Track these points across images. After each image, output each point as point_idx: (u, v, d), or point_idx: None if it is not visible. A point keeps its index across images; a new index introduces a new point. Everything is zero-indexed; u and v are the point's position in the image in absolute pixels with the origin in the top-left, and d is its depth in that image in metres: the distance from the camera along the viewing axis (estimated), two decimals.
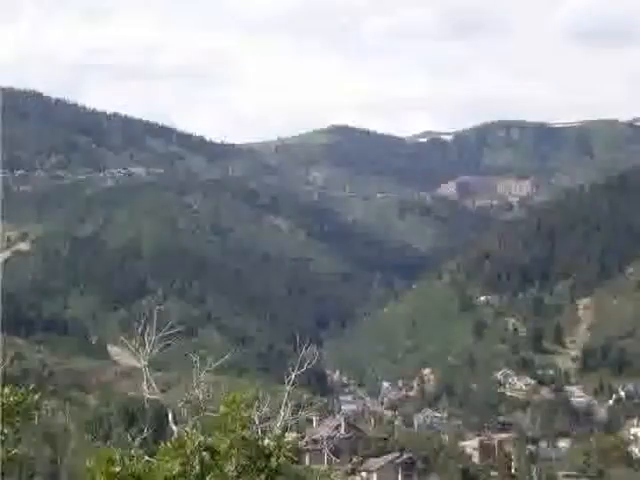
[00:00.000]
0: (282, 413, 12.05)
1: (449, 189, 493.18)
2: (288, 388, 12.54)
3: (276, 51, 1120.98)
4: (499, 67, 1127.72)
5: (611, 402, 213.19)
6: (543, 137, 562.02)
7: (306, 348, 14.46)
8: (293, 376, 13.05)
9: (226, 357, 15.26)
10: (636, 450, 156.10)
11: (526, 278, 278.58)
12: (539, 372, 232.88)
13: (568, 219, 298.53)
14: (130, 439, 11.93)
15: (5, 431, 11.97)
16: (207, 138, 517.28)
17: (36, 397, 12.24)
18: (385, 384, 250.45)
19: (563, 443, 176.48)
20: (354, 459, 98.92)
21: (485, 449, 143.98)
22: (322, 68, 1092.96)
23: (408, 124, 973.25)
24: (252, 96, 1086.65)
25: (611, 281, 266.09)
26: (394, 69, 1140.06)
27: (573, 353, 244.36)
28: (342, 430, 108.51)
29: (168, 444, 10.39)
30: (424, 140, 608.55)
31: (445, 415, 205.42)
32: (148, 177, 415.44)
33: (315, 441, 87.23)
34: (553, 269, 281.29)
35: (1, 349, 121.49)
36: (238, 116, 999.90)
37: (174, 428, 11.54)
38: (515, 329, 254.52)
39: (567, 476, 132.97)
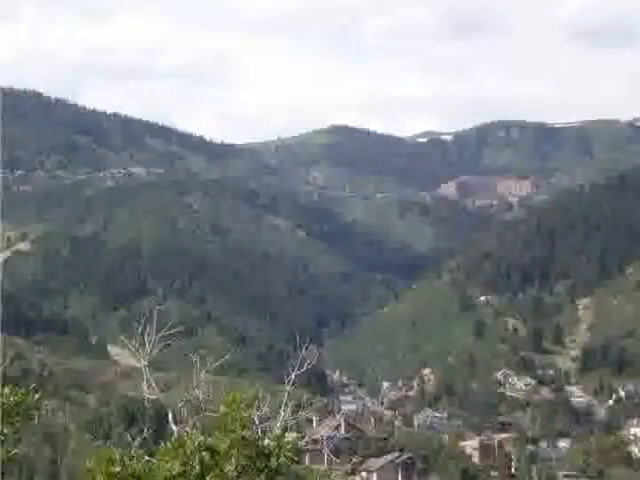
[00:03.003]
0: (282, 413, 12.06)
1: (449, 189, 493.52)
2: (288, 388, 12.56)
3: (276, 51, 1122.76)
4: (499, 67, 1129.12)
5: (611, 402, 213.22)
6: (543, 137, 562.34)
7: (306, 348, 14.46)
8: (293, 376, 13.06)
9: (226, 357, 15.26)
10: (636, 450, 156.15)
11: (526, 278, 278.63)
12: (539, 372, 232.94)
13: (568, 219, 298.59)
14: (130, 439, 11.94)
15: (5, 431, 11.98)
16: (207, 138, 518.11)
17: (36, 397, 12.25)
18: (385, 384, 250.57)
19: (563, 443, 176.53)
20: (354, 459, 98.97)
21: (485, 449, 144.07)
22: (322, 68, 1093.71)
23: (408, 124, 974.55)
24: (252, 96, 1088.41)
25: (611, 281, 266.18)
26: (394, 69, 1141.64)
27: (573, 353, 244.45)
28: (342, 430, 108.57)
29: (168, 444, 10.41)
30: (424, 140, 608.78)
31: (445, 415, 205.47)
32: (148, 177, 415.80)
33: (315, 441, 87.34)
34: (553, 269, 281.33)
35: (1, 349, 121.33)
36: (238, 116, 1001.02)
37: (174, 428, 11.55)
38: (515, 329, 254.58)
39: (567, 476, 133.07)
